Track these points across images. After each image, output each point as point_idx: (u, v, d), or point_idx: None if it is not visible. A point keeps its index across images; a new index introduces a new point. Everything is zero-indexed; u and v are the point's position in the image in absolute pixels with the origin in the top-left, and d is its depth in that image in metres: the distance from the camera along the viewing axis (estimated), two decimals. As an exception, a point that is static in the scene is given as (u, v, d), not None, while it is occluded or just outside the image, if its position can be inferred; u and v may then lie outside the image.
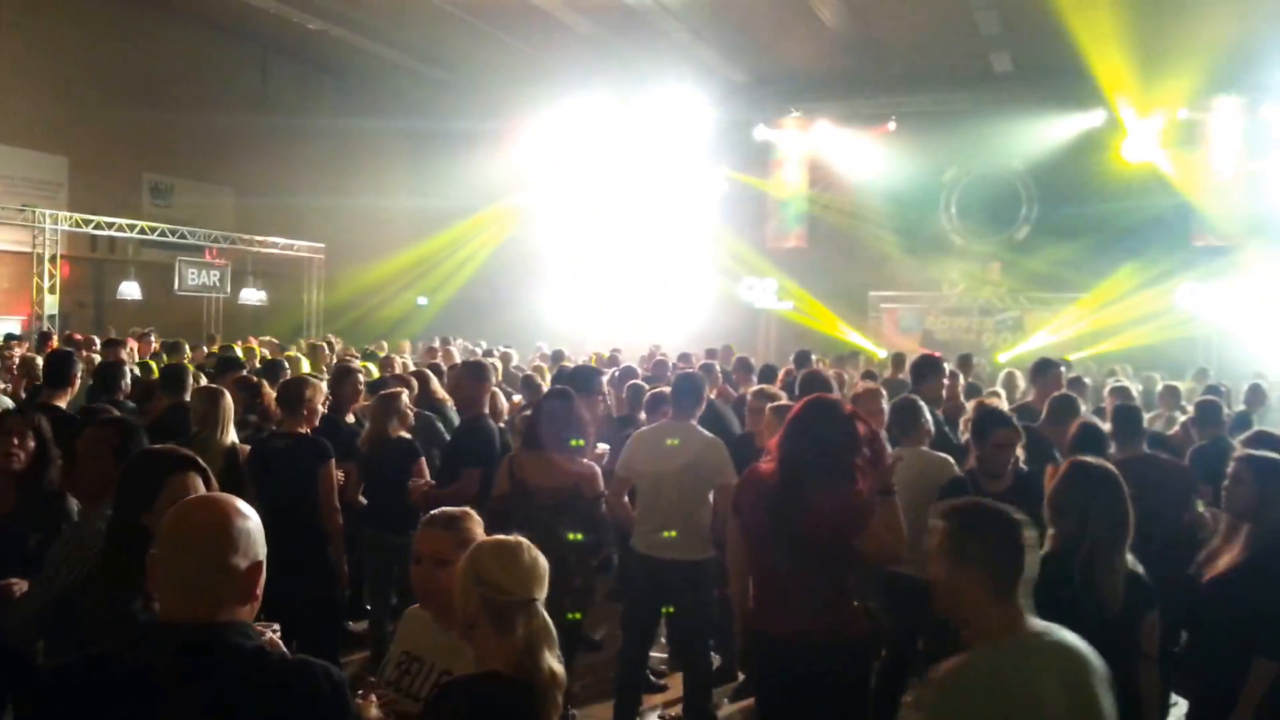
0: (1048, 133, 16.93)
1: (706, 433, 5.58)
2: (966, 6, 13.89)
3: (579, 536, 4.80)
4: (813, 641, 3.88)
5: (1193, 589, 4.07)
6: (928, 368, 7.12)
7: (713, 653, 5.97)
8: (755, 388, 7.42)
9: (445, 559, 2.77)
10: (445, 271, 20.03)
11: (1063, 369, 7.86)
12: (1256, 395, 8.92)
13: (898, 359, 11.05)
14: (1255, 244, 15.80)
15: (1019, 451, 4.80)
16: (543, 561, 2.55)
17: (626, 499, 5.54)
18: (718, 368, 9.56)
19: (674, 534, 5.24)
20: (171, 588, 2.10)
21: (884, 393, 6.26)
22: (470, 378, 5.91)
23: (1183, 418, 7.64)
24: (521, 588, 2.48)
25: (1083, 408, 6.44)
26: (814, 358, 11.53)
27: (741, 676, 5.97)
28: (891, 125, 17.99)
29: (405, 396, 6.02)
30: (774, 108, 18.54)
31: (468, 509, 2.98)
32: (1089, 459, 3.86)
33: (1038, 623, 2.59)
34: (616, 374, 9.11)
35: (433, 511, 2.99)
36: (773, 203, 18.98)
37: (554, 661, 2.46)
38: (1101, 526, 3.51)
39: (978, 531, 2.62)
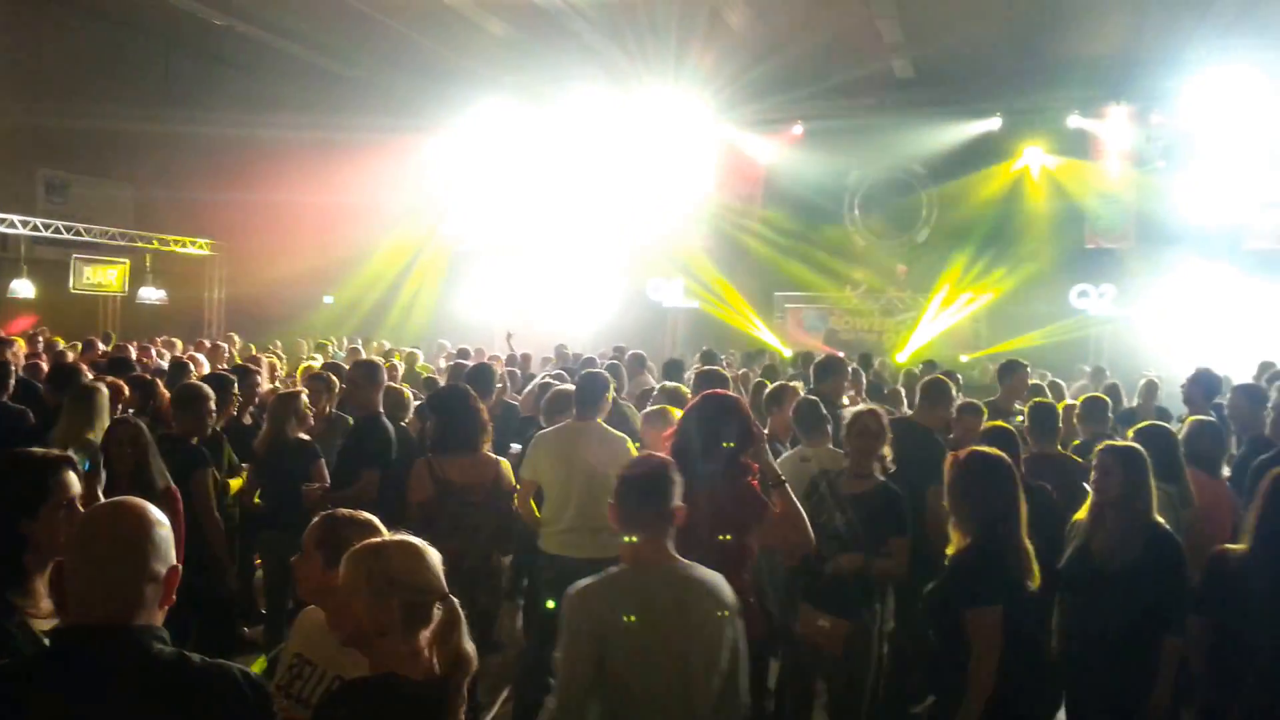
0: (948, 138, 17.36)
1: (612, 431, 5.62)
2: (869, 14, 14.14)
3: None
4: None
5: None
6: (829, 368, 7.30)
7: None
8: (659, 385, 7.52)
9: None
10: (353, 270, 19.74)
11: (1025, 371, 8.23)
12: (1150, 392, 9.34)
13: (806, 358, 11.35)
14: (1143, 247, 16.43)
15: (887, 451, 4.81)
16: (436, 552, 2.51)
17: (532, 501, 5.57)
18: (623, 370, 9.63)
19: (582, 533, 5.26)
20: (90, 594, 2.10)
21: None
22: (364, 378, 5.87)
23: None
24: (439, 583, 2.45)
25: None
26: (721, 356, 11.74)
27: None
28: (798, 129, 18.27)
29: (304, 398, 5.97)
30: (683, 110, 18.64)
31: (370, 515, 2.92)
32: (984, 449, 4.04)
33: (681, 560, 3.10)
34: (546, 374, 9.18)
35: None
36: (683, 203, 19.10)
37: (468, 643, 2.44)
38: (994, 512, 3.73)
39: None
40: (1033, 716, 3.95)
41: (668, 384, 7.22)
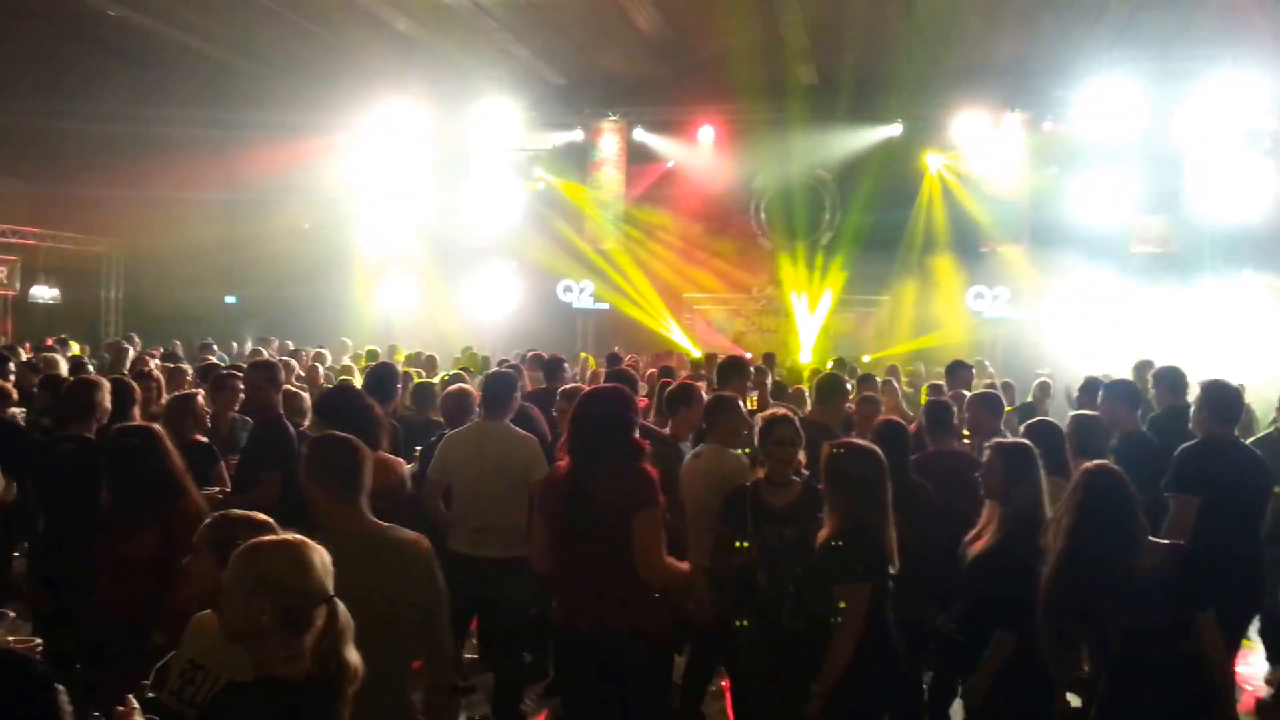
0: (851, 143, 17.72)
1: (520, 431, 5.66)
2: (773, 20, 14.39)
3: None
4: (611, 635, 3.99)
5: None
6: (733, 368, 7.45)
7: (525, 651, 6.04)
8: (565, 386, 7.59)
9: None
10: (257, 270, 19.36)
11: (970, 371, 8.56)
12: (1043, 390, 9.73)
13: (710, 359, 11.55)
14: (1036, 251, 17.00)
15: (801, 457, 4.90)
16: (326, 555, 2.48)
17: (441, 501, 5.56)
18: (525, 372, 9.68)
19: (492, 533, 5.28)
20: None
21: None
22: (263, 379, 5.81)
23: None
24: (320, 587, 2.41)
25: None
26: (629, 357, 11.88)
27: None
28: (705, 131, 18.47)
29: (200, 398, 5.88)
30: (591, 111, 18.74)
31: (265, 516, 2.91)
32: (855, 441, 4.22)
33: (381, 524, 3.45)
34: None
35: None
36: (590, 205, 19.18)
37: (353, 653, 2.41)
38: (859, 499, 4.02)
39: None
40: (882, 693, 4.17)
41: (568, 386, 7.31)
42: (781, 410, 5.03)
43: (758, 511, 4.65)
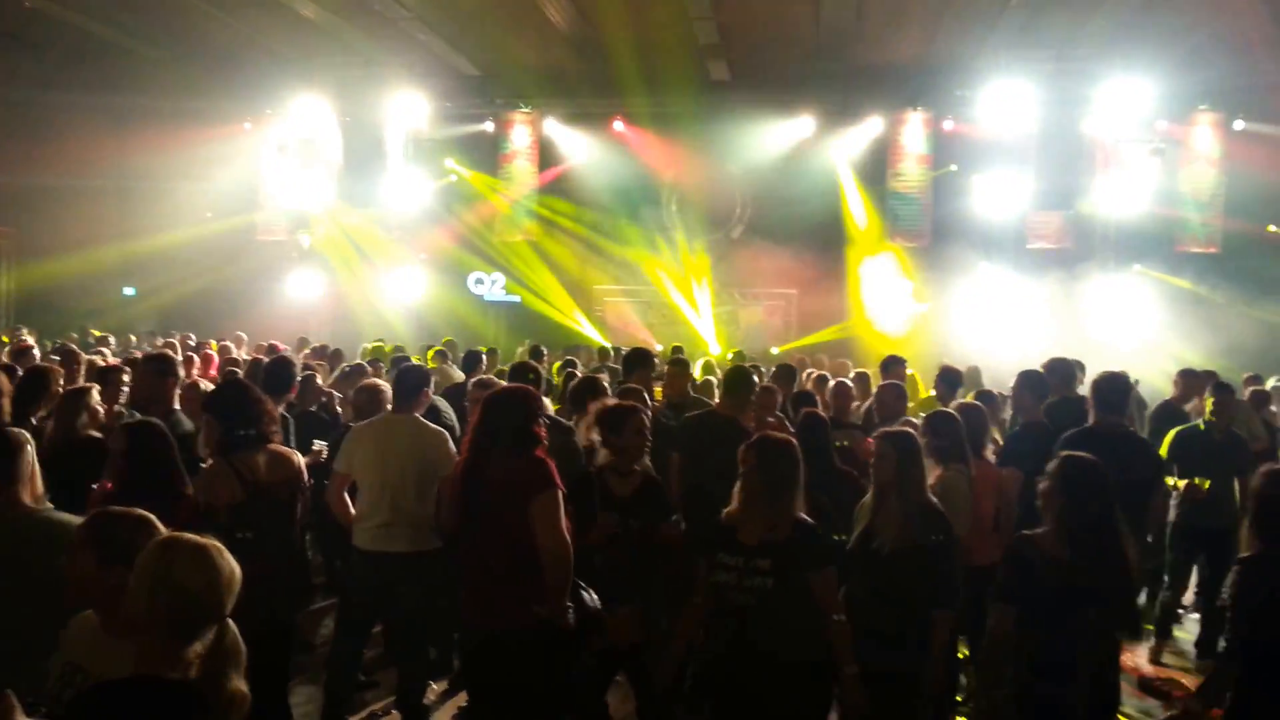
0: (761, 138, 17.92)
1: (430, 424, 5.62)
2: (685, 16, 14.49)
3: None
4: (513, 634, 3.99)
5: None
6: (637, 360, 7.53)
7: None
8: (476, 378, 7.57)
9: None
10: (157, 261, 18.79)
11: (904, 366, 8.84)
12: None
13: (603, 353, 11.77)
14: (938, 246, 17.43)
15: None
16: (237, 570, 2.44)
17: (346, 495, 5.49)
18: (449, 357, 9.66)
19: (399, 528, 5.22)
20: None
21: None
22: (154, 373, 5.68)
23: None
24: (216, 599, 2.37)
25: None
26: (544, 350, 11.90)
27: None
28: (618, 125, 18.51)
29: (95, 393, 5.72)
30: (503, 103, 18.64)
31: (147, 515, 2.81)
32: (773, 434, 4.31)
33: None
34: (347, 369, 9.08)
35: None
36: (502, 197, 19.08)
37: (240, 683, 2.35)
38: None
39: None
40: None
41: (485, 377, 7.29)
42: (632, 401, 5.07)
43: (605, 499, 4.71)
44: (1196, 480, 6.81)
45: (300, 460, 4.84)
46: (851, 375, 9.39)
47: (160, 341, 13.37)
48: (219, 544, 2.45)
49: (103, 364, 7.76)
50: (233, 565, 2.42)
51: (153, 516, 2.78)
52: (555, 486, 3.97)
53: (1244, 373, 10.87)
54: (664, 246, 19.10)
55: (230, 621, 2.38)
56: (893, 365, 8.72)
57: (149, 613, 2.31)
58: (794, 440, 4.21)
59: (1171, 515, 7.20)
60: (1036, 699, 3.79)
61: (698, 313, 18.62)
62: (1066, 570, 3.79)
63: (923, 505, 4.48)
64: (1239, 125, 16.63)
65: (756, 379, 6.78)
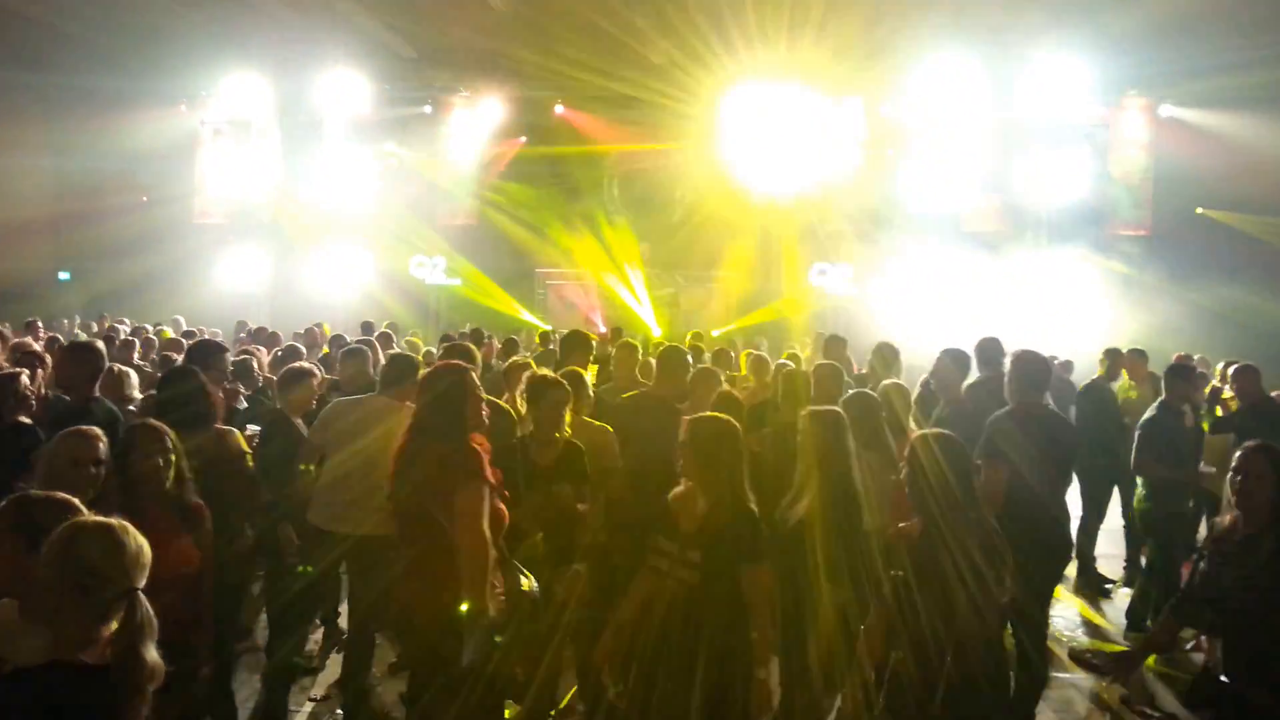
0: (699, 122, 17.91)
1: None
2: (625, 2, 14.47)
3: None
4: (437, 620, 3.91)
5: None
6: (575, 343, 7.53)
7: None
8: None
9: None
10: (94, 245, 18.38)
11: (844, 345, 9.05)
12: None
13: (544, 337, 11.82)
14: (877, 229, 17.62)
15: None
16: (146, 547, 2.45)
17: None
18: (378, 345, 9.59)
19: (364, 509, 5.11)
20: None
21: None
22: (73, 362, 5.61)
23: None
24: (124, 575, 2.38)
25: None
26: (486, 334, 11.88)
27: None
28: (559, 108, 18.45)
29: (25, 378, 5.61)
30: (442, 85, 18.48)
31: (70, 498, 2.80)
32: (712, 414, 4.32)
33: None
34: (280, 353, 8.98)
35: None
36: (443, 180, 18.95)
37: (154, 653, 2.37)
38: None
39: None
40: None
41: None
42: (552, 375, 5.07)
43: (527, 468, 4.73)
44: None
45: (236, 439, 4.79)
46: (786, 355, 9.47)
47: (96, 327, 13.15)
48: (124, 522, 2.45)
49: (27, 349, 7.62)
50: (140, 541, 2.43)
51: (75, 500, 2.75)
52: (481, 480, 3.87)
53: (1175, 354, 11.12)
54: (606, 230, 19.10)
55: (142, 595, 2.38)
56: (838, 343, 8.78)
57: (59, 595, 2.32)
58: (733, 420, 4.13)
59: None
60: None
61: (637, 297, 18.64)
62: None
63: (841, 480, 4.53)
64: (1166, 111, 16.98)
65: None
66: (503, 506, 4.04)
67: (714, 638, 3.79)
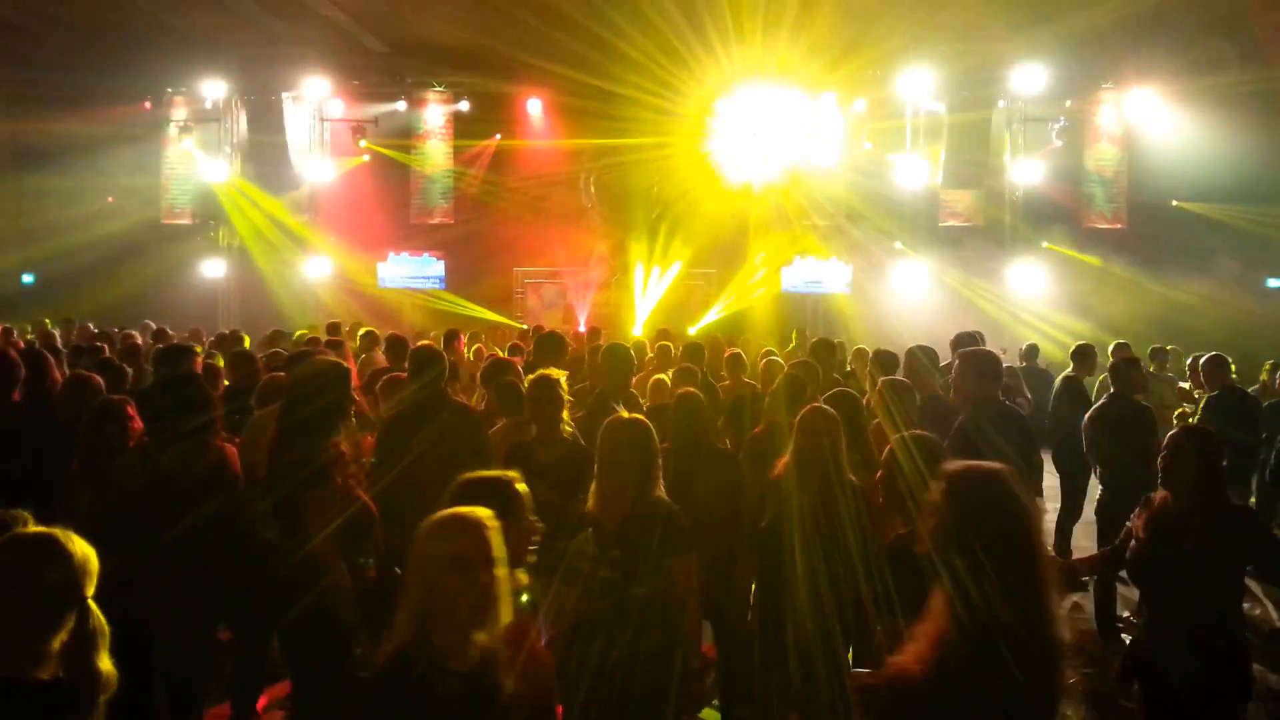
0: (677, 117, 17.85)
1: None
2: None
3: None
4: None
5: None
6: (549, 344, 7.46)
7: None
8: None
9: None
10: (59, 247, 18.08)
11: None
12: (860, 359, 10.08)
13: (530, 333, 11.69)
14: (854, 224, 17.65)
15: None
16: (92, 554, 2.39)
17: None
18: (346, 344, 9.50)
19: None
20: None
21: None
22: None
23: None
24: (73, 585, 2.32)
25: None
26: (459, 333, 11.75)
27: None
28: (533, 104, 18.32)
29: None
30: (414, 81, 18.30)
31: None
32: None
33: None
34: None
35: None
36: (417, 177, 18.79)
37: (107, 663, 2.34)
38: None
39: None
40: None
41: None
42: (546, 374, 4.95)
43: (528, 468, 4.47)
44: None
45: (222, 447, 4.66)
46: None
47: (60, 334, 12.92)
48: (65, 530, 2.39)
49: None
50: (84, 549, 2.37)
51: (20, 514, 2.58)
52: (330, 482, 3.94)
53: (1151, 344, 11.17)
54: (585, 227, 19.01)
55: (92, 603, 2.33)
56: (822, 349, 8.67)
57: (4, 612, 2.25)
58: (644, 420, 4.11)
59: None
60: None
61: (618, 293, 18.56)
62: None
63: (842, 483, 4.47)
64: (1139, 103, 16.98)
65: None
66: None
67: (643, 633, 3.74)
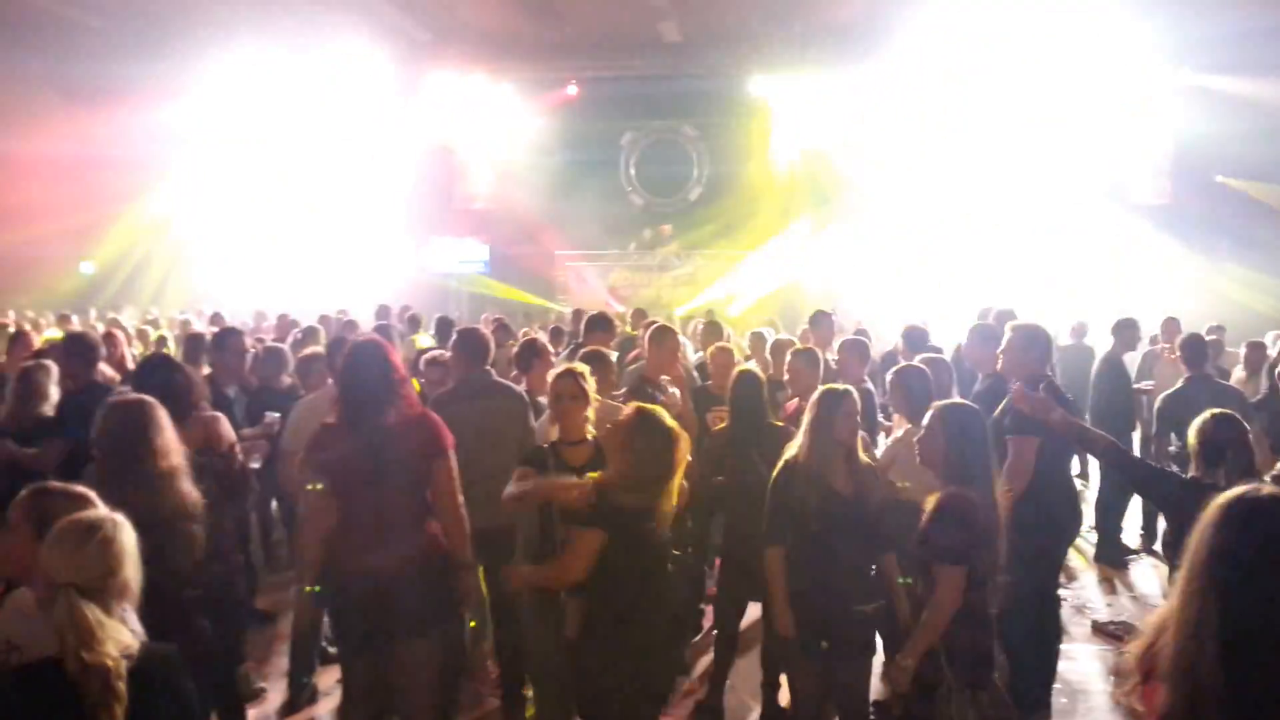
0: (715, 99, 17.99)
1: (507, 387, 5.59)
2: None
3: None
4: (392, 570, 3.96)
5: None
6: (598, 323, 7.62)
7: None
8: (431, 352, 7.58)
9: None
10: (117, 234, 18.46)
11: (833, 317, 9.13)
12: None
13: (576, 315, 11.75)
14: (890, 207, 17.61)
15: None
16: (122, 540, 2.50)
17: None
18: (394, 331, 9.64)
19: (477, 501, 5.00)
20: None
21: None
22: (75, 350, 5.75)
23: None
24: (126, 574, 2.49)
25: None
26: (499, 316, 11.91)
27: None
28: (572, 89, 18.45)
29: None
30: (457, 67, 18.46)
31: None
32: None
33: None
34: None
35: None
36: (460, 164, 18.96)
37: (119, 645, 2.41)
38: None
39: None
40: None
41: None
42: (565, 367, 4.66)
43: (560, 469, 4.33)
44: None
45: (206, 419, 4.71)
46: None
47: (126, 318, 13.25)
48: (102, 515, 2.54)
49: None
50: (109, 533, 2.50)
51: (91, 493, 2.77)
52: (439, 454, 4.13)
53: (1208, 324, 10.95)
54: (625, 210, 19.13)
55: (73, 589, 2.44)
56: (822, 320, 8.66)
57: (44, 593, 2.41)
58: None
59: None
60: None
61: (658, 276, 18.70)
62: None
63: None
64: (1188, 78, 16.67)
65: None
66: None
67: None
